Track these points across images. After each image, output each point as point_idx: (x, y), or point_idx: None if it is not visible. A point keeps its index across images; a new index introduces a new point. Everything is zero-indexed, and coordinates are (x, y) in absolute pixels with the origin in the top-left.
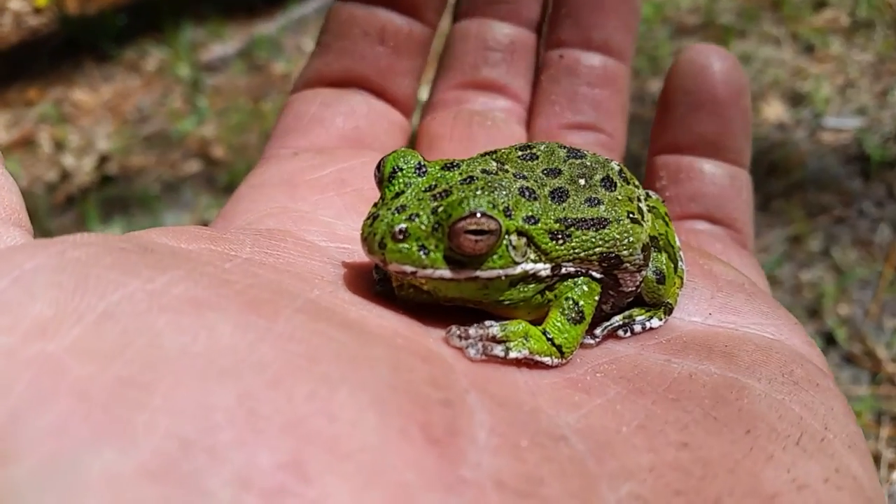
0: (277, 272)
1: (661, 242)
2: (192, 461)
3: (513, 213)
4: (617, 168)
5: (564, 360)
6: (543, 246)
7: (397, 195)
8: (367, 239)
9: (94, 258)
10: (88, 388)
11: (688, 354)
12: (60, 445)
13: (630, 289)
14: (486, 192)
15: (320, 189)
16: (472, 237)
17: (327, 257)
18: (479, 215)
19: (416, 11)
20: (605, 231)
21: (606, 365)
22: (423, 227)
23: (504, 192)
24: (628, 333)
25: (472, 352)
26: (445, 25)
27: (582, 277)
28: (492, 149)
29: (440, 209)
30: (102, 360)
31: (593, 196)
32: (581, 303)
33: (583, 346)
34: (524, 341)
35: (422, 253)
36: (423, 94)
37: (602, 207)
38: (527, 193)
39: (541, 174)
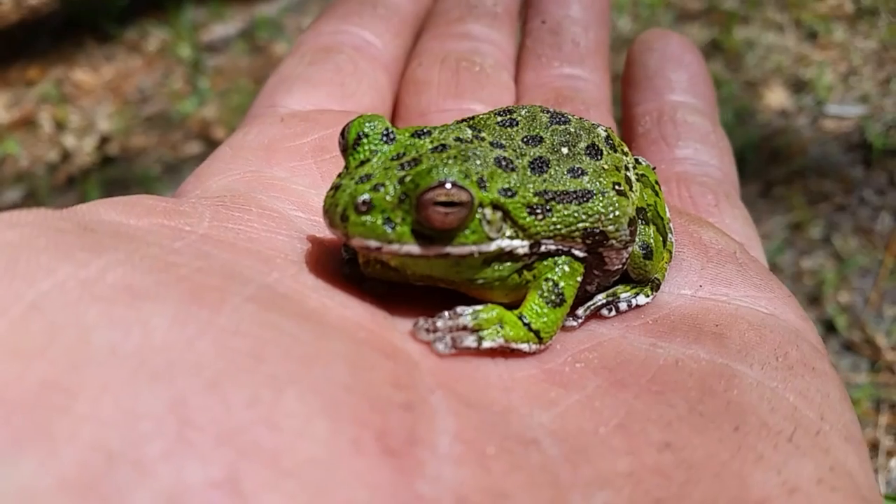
0: (234, 251)
1: (649, 214)
2: (117, 476)
3: (487, 184)
4: (604, 134)
5: (543, 346)
6: (521, 221)
7: (362, 164)
8: (328, 211)
9: (27, 240)
10: (8, 390)
11: (675, 337)
12: None
13: (616, 267)
14: (459, 162)
15: (299, 156)
16: (442, 209)
17: (295, 230)
18: (449, 186)
19: None
20: (589, 205)
21: (588, 353)
22: (388, 198)
23: (478, 162)
24: (613, 312)
25: (440, 346)
26: None
27: (563, 256)
28: (471, 115)
29: (407, 179)
30: (26, 359)
31: (576, 166)
32: (561, 284)
33: (564, 328)
34: (498, 329)
35: (387, 227)
36: None
37: (586, 178)
38: (503, 163)
39: (520, 143)
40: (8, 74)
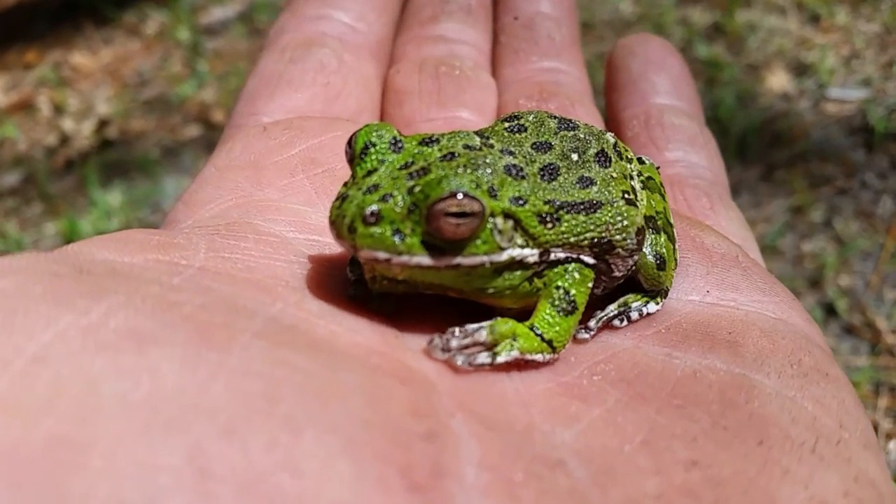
0: (234, 283)
1: (659, 223)
2: None
3: (498, 193)
4: (612, 141)
5: (556, 356)
6: (531, 230)
7: (369, 173)
8: (335, 222)
9: (23, 289)
10: (17, 449)
11: (690, 346)
12: None
13: (621, 273)
14: (469, 170)
15: (289, 172)
16: (453, 220)
17: (294, 254)
18: (460, 196)
19: None
20: (597, 215)
21: (603, 364)
22: (397, 208)
23: (489, 170)
24: (625, 322)
25: (459, 360)
26: None
27: (573, 264)
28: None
29: (417, 189)
30: (33, 416)
31: (586, 175)
32: (573, 292)
33: (577, 340)
34: (512, 342)
35: (396, 238)
36: None
37: (595, 189)
38: (514, 171)
39: (529, 149)
40: (6, 58)
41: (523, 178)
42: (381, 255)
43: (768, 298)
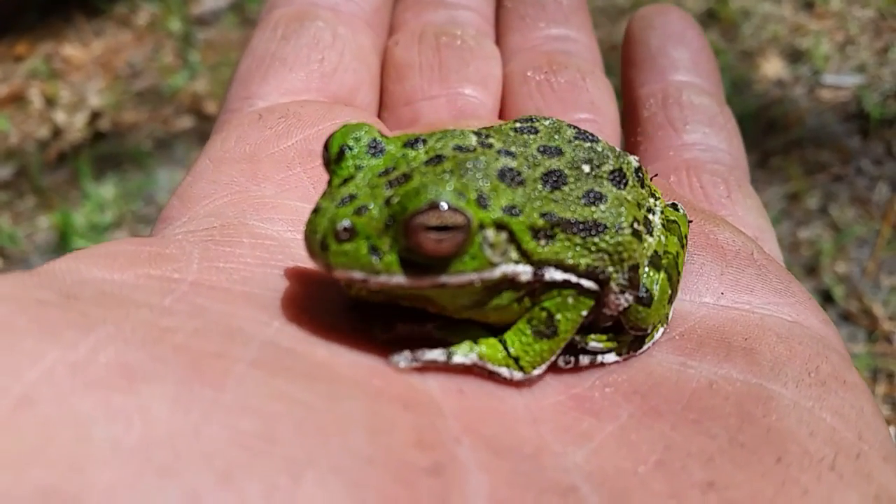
0: (229, 298)
1: (664, 261)
2: None
3: (489, 201)
4: (636, 164)
5: (524, 376)
6: (524, 244)
7: (345, 181)
8: (307, 238)
9: (7, 320)
10: (3, 503)
11: (705, 354)
12: None
13: (609, 311)
14: (454, 177)
15: (286, 164)
16: (434, 235)
17: (291, 259)
18: (442, 207)
19: None
20: (595, 240)
21: (616, 374)
22: (374, 221)
23: (478, 175)
24: (570, 364)
25: (401, 362)
26: None
27: (570, 290)
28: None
29: (394, 200)
30: (21, 465)
31: (595, 189)
32: (557, 316)
33: (560, 369)
34: (473, 345)
35: (373, 256)
36: None
37: (602, 207)
38: (508, 176)
39: (535, 151)
40: None
41: (520, 183)
42: (357, 275)
43: (784, 300)
